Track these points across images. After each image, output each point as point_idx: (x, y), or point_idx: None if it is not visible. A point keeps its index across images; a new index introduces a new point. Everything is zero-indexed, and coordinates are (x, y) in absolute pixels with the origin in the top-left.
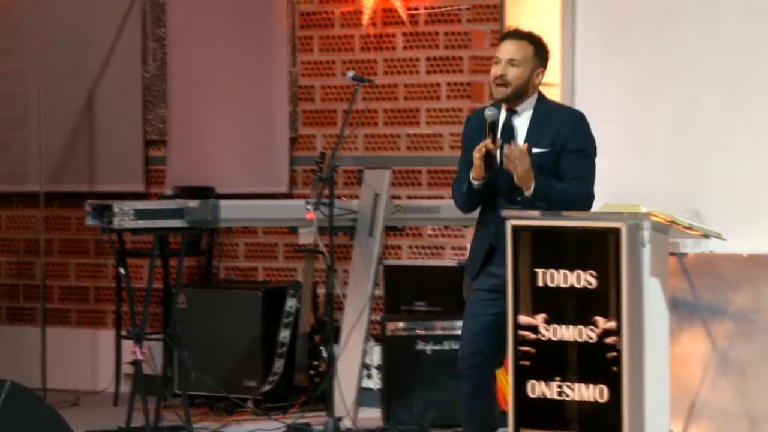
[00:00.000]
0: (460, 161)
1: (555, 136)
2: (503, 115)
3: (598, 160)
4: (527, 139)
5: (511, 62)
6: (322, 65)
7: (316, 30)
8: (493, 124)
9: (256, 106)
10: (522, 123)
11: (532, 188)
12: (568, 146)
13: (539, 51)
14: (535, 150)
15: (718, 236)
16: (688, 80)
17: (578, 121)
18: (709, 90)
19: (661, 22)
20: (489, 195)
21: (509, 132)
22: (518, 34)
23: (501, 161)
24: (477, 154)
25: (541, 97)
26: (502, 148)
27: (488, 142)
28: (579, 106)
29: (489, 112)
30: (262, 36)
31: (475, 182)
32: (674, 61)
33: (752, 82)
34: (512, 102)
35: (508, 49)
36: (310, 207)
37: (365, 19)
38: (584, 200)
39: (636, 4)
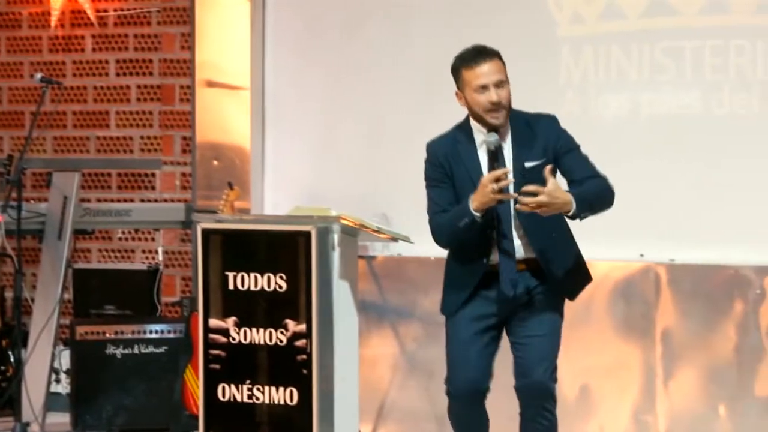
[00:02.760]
0: (435, 195)
1: (544, 146)
2: (481, 138)
3: None
4: (516, 157)
5: (499, 84)
6: (9, 66)
7: (3, 31)
8: (497, 151)
9: None
10: (506, 144)
11: (574, 207)
12: (560, 149)
13: (504, 63)
14: (528, 164)
15: (407, 239)
16: (379, 86)
17: (555, 123)
18: (399, 96)
19: (350, 30)
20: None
21: (498, 153)
22: (491, 52)
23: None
24: (497, 185)
25: (512, 110)
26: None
27: (505, 170)
28: (269, 111)
29: (490, 139)
30: None
31: (477, 214)
32: (365, 66)
33: (441, 88)
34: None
35: (490, 71)
36: None
37: (53, 20)
38: (610, 188)
39: (325, 11)
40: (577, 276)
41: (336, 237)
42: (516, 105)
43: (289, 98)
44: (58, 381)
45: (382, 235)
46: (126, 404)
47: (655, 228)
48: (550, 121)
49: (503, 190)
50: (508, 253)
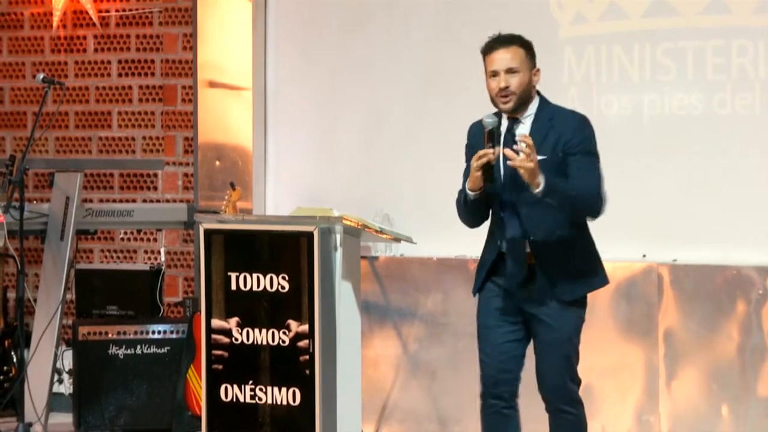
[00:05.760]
0: (463, 173)
1: (556, 141)
2: (505, 123)
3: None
4: None
5: (510, 71)
6: (12, 67)
7: (5, 31)
8: (492, 133)
9: None
10: (524, 131)
11: (542, 184)
12: (570, 149)
13: (530, 50)
14: None
15: (409, 240)
16: (379, 88)
17: (579, 123)
18: (398, 97)
19: (351, 30)
20: (494, 207)
21: (512, 142)
22: (507, 40)
23: (503, 172)
24: (475, 164)
25: (544, 102)
26: (502, 158)
27: (489, 151)
28: (271, 111)
29: (488, 120)
30: None
31: (471, 193)
32: (365, 68)
33: (441, 88)
34: (518, 111)
35: (503, 58)
36: None
37: (55, 20)
38: (594, 199)
39: (327, 12)
40: (572, 278)
41: (338, 237)
42: None
43: (291, 98)
44: (60, 381)
45: (384, 236)
46: (128, 404)
47: (657, 228)
48: (574, 118)
49: (491, 172)
50: (514, 241)
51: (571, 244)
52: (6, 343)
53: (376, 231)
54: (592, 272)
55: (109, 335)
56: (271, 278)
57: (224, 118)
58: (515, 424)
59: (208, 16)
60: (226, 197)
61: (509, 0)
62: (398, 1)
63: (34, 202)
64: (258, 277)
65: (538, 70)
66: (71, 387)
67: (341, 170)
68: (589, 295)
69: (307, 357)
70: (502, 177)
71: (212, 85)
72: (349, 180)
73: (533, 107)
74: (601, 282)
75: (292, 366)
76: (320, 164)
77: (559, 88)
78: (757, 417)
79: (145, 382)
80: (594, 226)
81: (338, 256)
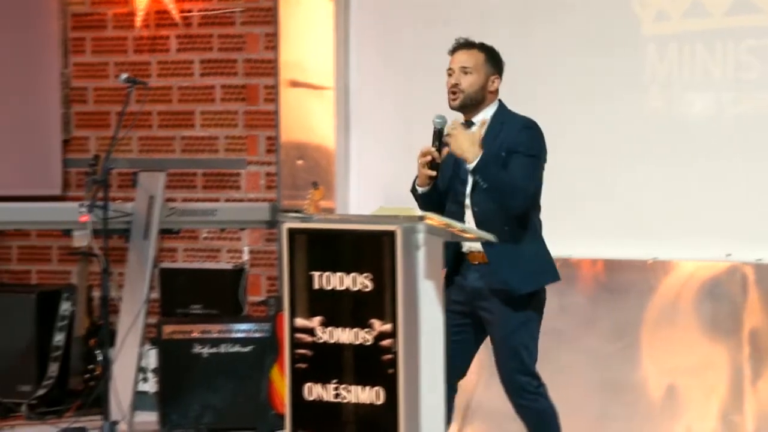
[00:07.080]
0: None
1: (502, 141)
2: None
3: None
4: None
5: (463, 70)
6: (95, 67)
7: (88, 31)
8: (440, 132)
9: (27, 108)
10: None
11: (475, 161)
12: (512, 148)
13: (491, 57)
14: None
15: (491, 239)
16: None
17: (524, 127)
18: None
19: (431, 28)
20: (448, 206)
21: (441, 133)
22: (468, 44)
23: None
24: (420, 160)
25: (502, 108)
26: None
27: (432, 149)
28: (353, 111)
29: (437, 120)
30: (33, 38)
31: (419, 188)
32: (444, 67)
33: (518, 87)
34: (469, 111)
35: (460, 59)
36: (84, 209)
37: (138, 20)
38: (521, 193)
39: (408, 12)
40: (525, 272)
41: (421, 237)
42: (599, 102)
43: (373, 98)
44: (145, 380)
45: (467, 235)
46: (213, 403)
47: (742, 228)
48: (520, 122)
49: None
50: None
51: (519, 242)
52: (91, 342)
53: (459, 230)
54: (542, 270)
55: (193, 334)
56: (354, 277)
57: (306, 117)
58: None
59: (290, 16)
60: (309, 196)
61: None
62: (478, 0)
63: (118, 201)
64: (341, 277)
65: (498, 78)
66: (156, 385)
67: None
68: (673, 295)
69: (391, 356)
70: (459, 176)
71: (294, 84)
72: None
73: (489, 111)
74: (552, 278)
75: (375, 365)
76: (402, 163)
77: (640, 86)
78: None
79: (229, 380)
80: (678, 226)
81: (421, 255)
